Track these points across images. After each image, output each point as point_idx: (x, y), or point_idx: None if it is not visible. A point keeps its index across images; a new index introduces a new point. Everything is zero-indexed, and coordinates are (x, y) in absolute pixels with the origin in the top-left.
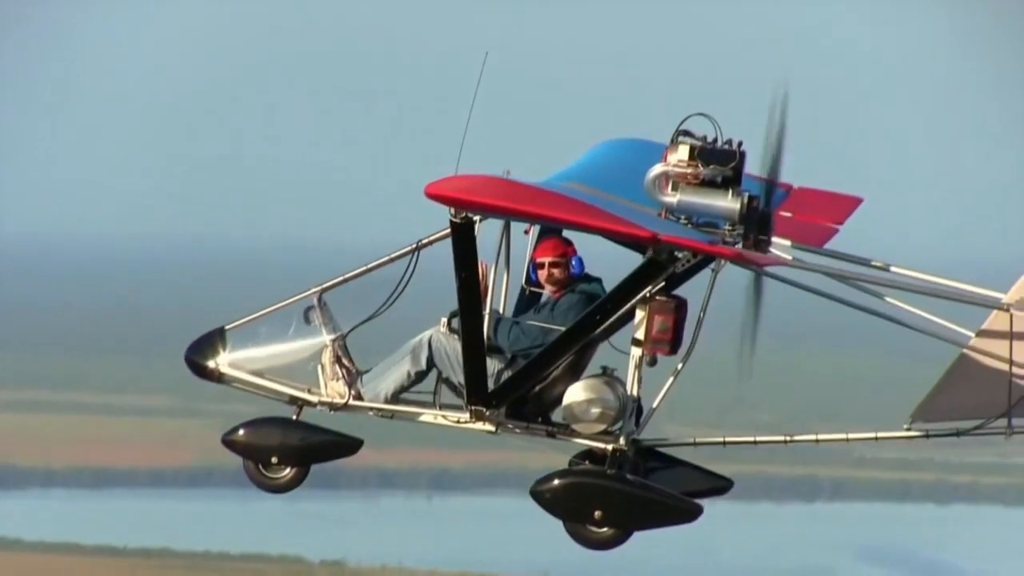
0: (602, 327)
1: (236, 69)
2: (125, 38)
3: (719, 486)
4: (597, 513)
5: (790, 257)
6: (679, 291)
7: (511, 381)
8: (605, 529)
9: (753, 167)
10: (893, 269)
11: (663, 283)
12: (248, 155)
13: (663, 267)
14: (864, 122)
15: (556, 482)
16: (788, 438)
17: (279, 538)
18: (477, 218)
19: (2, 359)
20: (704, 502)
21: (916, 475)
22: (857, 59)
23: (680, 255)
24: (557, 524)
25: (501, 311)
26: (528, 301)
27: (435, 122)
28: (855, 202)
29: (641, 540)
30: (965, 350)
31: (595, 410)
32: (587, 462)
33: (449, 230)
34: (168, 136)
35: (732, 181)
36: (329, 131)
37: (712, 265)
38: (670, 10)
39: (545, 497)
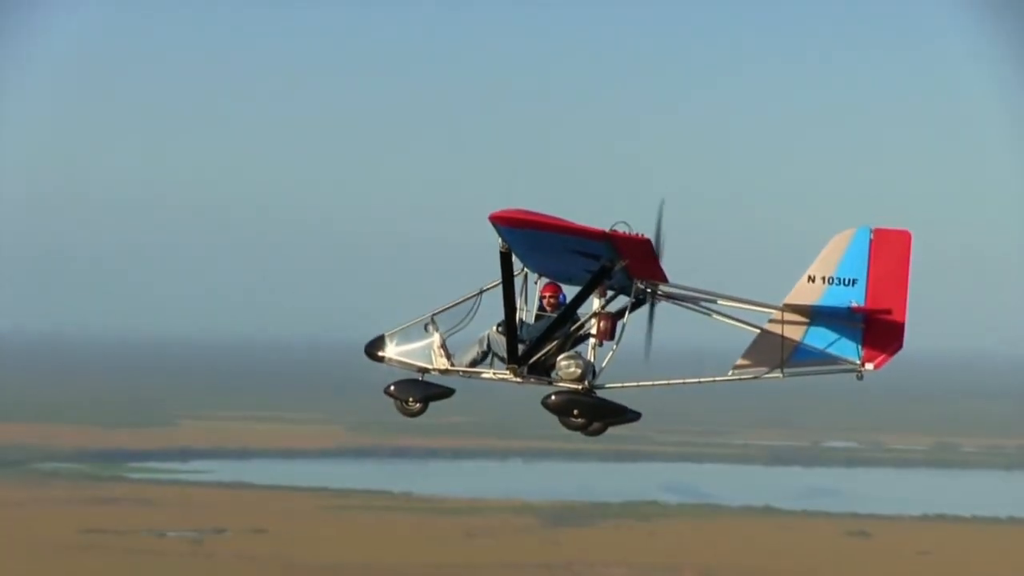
0: (575, 319)
1: None
2: None
3: (633, 414)
4: (575, 412)
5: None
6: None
7: (529, 352)
8: (580, 420)
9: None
10: (719, 297)
11: (607, 303)
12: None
13: (608, 270)
14: None
15: (554, 397)
16: (670, 382)
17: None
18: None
19: None
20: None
21: None
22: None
23: (618, 265)
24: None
25: (525, 320)
26: (539, 318)
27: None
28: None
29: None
30: (760, 331)
31: (573, 370)
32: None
33: (500, 278)
34: None
35: None
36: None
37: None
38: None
39: (549, 404)
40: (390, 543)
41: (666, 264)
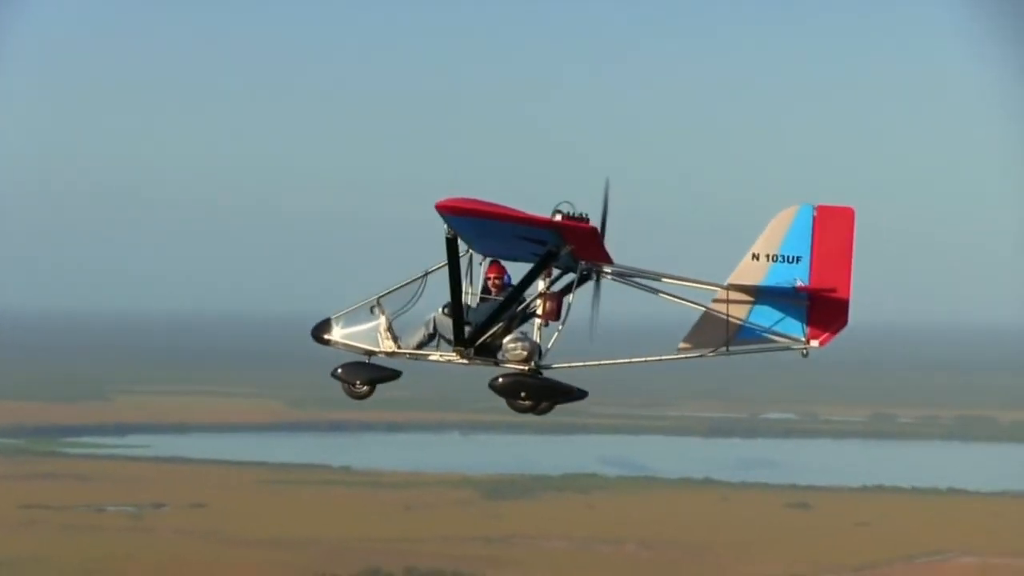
0: (521, 301)
1: None
2: None
3: (580, 393)
4: (523, 394)
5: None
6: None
7: (475, 334)
8: (527, 402)
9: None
10: (663, 277)
11: (552, 282)
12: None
13: (553, 255)
14: None
15: (501, 380)
16: (615, 361)
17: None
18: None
19: None
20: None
21: None
22: None
23: (564, 250)
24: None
25: (470, 304)
26: (484, 300)
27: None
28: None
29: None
30: (705, 310)
31: (519, 351)
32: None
33: (445, 259)
34: None
35: None
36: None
37: (575, 278)
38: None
39: (496, 386)
40: (330, 517)
41: (609, 241)
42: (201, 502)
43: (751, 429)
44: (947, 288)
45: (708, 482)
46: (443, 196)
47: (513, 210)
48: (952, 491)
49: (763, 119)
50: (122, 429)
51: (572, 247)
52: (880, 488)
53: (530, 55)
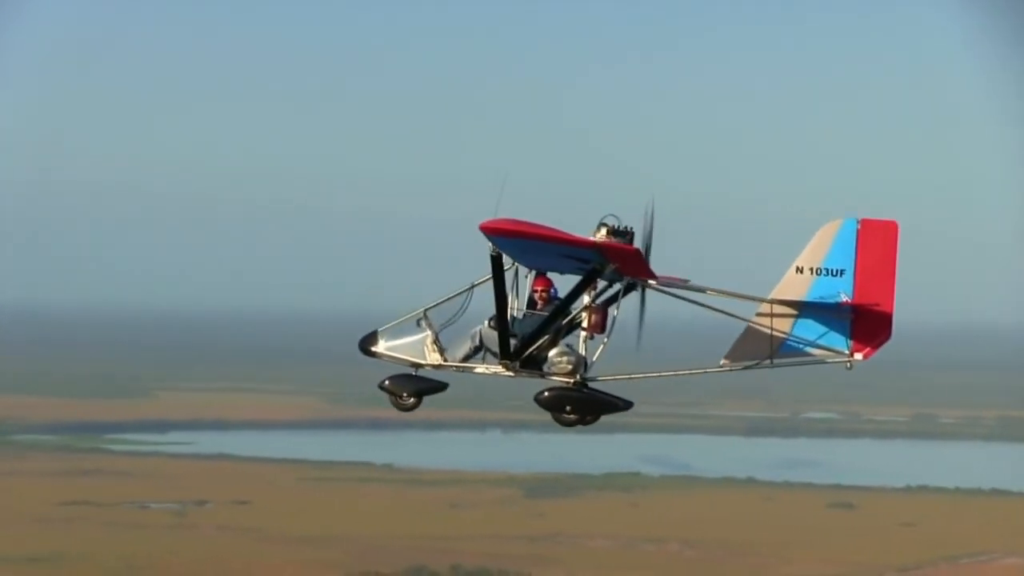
0: (567, 313)
1: None
2: None
3: (626, 403)
4: (568, 408)
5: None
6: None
7: (521, 347)
8: (573, 416)
9: (639, 239)
10: (708, 290)
11: (598, 294)
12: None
13: (597, 273)
14: None
15: (547, 393)
16: (661, 373)
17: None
18: (506, 263)
19: None
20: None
21: None
22: None
23: (608, 268)
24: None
25: (516, 316)
26: (530, 313)
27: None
28: (684, 280)
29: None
30: (749, 324)
31: (565, 364)
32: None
33: (490, 271)
34: None
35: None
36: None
37: (621, 289)
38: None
39: (541, 400)
40: (373, 515)
41: (655, 255)
42: (244, 499)
43: (792, 429)
44: (986, 288)
45: (751, 482)
46: (489, 215)
47: (557, 231)
48: (996, 492)
49: (776, 123)
50: (164, 426)
51: (616, 265)
52: (924, 488)
53: (560, 54)
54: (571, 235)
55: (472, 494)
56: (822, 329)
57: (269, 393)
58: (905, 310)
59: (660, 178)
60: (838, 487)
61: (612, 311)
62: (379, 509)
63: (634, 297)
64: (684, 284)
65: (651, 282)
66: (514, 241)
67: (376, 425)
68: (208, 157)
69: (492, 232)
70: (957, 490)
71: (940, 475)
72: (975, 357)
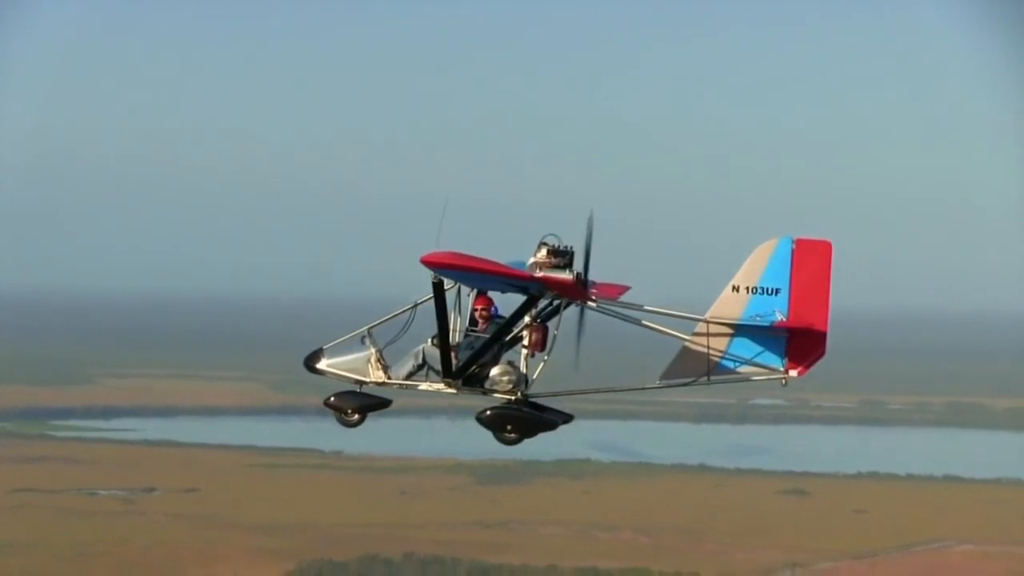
0: (507, 335)
1: None
2: None
3: (566, 418)
4: (508, 427)
5: (595, 301)
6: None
7: (463, 366)
8: (513, 435)
9: (578, 258)
10: (646, 307)
11: (539, 313)
12: None
13: (536, 299)
14: None
15: (488, 412)
16: (599, 389)
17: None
18: (448, 284)
19: None
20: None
21: None
22: None
23: (545, 293)
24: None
25: (458, 337)
26: (471, 331)
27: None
28: (625, 288)
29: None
30: (686, 343)
31: (506, 382)
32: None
33: (432, 292)
34: None
35: (568, 265)
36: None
37: (562, 304)
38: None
39: (483, 420)
40: (324, 502)
41: (595, 265)
42: (193, 487)
43: (741, 415)
44: (937, 275)
45: (703, 468)
46: (430, 250)
47: (498, 265)
48: (949, 478)
49: (748, 146)
50: (109, 412)
51: (555, 293)
52: (875, 475)
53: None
54: (511, 270)
55: (423, 481)
56: (758, 348)
57: (214, 379)
58: (852, 297)
59: (603, 186)
60: (790, 473)
61: (552, 329)
62: (330, 496)
63: (573, 311)
64: (623, 296)
65: (590, 303)
66: (456, 273)
67: (324, 411)
68: (144, 136)
69: (434, 266)
70: (909, 477)
71: (891, 462)
72: (924, 343)
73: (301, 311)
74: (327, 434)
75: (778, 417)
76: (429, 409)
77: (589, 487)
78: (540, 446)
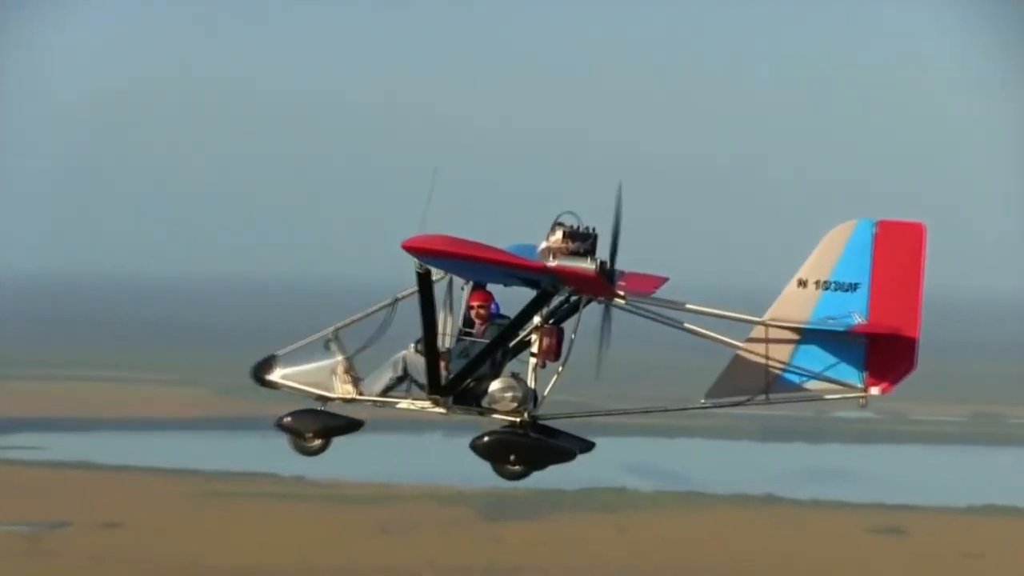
0: (511, 340)
1: None
2: None
3: (585, 446)
4: (512, 457)
5: (624, 298)
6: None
7: (454, 379)
8: (518, 467)
9: (602, 244)
10: (688, 305)
11: (552, 312)
12: None
13: (550, 295)
14: None
15: (486, 439)
16: (628, 410)
17: None
18: (437, 274)
19: None
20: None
21: None
22: None
23: (560, 288)
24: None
25: (449, 341)
26: (466, 335)
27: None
28: (662, 280)
29: None
30: (739, 351)
31: (509, 399)
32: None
33: (416, 285)
34: None
35: (590, 252)
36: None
37: (582, 301)
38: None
39: (478, 448)
40: (282, 541)
41: (623, 258)
42: (114, 521)
43: (818, 432)
44: None
45: (770, 499)
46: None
47: (500, 252)
48: None
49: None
50: (8, 425)
51: (573, 287)
52: (992, 508)
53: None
54: (516, 259)
55: (410, 514)
56: (830, 358)
57: (143, 382)
58: (973, 279)
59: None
60: (881, 506)
61: (569, 333)
62: (290, 534)
63: (595, 309)
64: (660, 290)
65: (617, 300)
66: (447, 262)
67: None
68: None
69: (419, 254)
70: None
71: (1012, 492)
72: None
73: (253, 295)
74: (286, 453)
75: (865, 435)
76: (417, 423)
77: (624, 523)
78: (562, 471)
